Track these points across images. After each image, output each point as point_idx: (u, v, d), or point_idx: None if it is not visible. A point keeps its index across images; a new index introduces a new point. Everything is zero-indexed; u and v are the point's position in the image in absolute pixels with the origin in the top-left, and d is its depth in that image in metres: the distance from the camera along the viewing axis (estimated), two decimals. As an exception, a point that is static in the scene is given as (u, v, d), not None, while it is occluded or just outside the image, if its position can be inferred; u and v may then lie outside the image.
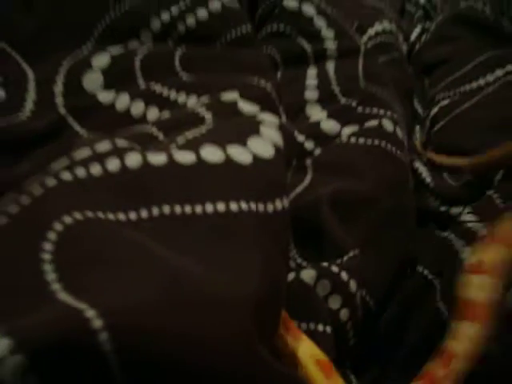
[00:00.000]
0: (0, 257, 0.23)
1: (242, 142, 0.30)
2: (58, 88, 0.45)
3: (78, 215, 0.24)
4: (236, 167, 0.28)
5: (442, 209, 0.49)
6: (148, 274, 0.22)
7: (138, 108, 0.42)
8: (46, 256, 0.22)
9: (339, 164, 0.44)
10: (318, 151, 0.46)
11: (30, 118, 0.43)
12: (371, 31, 0.75)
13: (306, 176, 0.43)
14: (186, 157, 0.28)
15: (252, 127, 0.31)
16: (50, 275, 0.22)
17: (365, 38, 0.74)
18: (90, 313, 0.19)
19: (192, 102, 0.40)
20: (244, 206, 0.27)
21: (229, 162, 0.28)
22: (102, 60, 0.45)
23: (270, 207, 0.28)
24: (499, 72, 0.67)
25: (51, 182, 0.26)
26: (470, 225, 0.38)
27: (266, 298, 0.25)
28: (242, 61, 0.46)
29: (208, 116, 0.34)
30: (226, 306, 0.22)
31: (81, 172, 0.27)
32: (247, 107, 0.35)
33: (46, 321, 0.19)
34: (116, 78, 0.44)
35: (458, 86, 0.68)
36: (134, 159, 0.28)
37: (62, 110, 0.43)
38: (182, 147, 0.29)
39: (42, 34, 0.48)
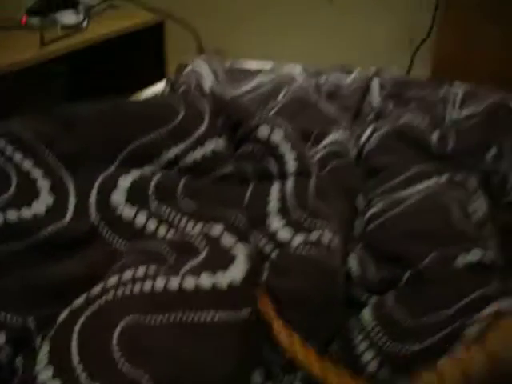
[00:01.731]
0: (85, 339, 0.41)
1: (225, 269, 0.49)
2: (92, 200, 0.61)
3: (130, 317, 0.43)
4: (219, 291, 0.47)
5: (363, 298, 0.68)
6: (172, 358, 0.41)
7: (151, 225, 0.60)
8: (114, 342, 0.41)
9: (286, 270, 0.61)
10: (273, 255, 0.63)
11: (70, 224, 0.58)
12: (326, 141, 0.94)
13: (262, 277, 0.60)
14: (190, 283, 0.47)
15: (231, 258, 0.50)
16: (117, 353, 0.40)
17: (320, 146, 0.93)
18: (145, 377, 0.38)
19: (190, 226, 0.58)
20: (223, 315, 0.45)
21: (215, 287, 0.47)
22: (125, 181, 0.63)
23: (239, 315, 0.46)
24: (420, 186, 0.87)
25: (110, 295, 0.45)
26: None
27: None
28: (225, 196, 0.65)
29: (202, 248, 0.53)
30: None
31: (127, 290, 0.45)
32: (228, 241, 0.54)
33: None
34: (135, 197, 0.62)
35: (390, 194, 0.87)
36: (159, 283, 0.46)
37: (95, 220, 0.60)
38: (187, 273, 0.48)
39: (82, 151, 0.66)
